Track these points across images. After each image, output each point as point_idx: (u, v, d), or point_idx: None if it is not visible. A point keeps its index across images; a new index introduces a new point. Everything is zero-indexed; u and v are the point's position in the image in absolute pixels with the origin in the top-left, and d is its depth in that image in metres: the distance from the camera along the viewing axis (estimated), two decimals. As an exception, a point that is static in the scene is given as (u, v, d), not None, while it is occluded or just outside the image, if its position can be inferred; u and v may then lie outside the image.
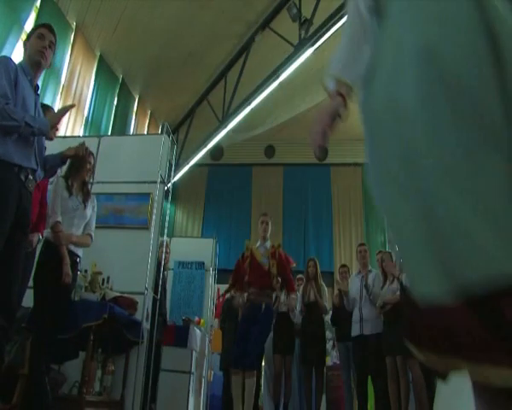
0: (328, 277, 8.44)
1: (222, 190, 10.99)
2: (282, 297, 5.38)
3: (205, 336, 5.91)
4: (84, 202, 3.10)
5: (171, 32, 7.74)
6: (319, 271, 5.36)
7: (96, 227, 3.34)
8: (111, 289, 3.53)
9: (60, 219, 2.91)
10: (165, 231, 5.08)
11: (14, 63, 2.32)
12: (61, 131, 6.30)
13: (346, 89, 1.17)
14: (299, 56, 6.75)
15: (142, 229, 4.21)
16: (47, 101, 5.72)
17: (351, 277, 5.22)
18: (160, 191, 4.31)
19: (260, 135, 9.48)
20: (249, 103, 7.84)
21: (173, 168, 7.19)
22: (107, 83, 8.12)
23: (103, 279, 3.53)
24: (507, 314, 0.69)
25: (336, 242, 10.37)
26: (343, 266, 5.70)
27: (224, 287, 7.61)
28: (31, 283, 2.85)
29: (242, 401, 3.94)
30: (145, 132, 9.65)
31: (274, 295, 5.49)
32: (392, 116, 0.87)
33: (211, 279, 6.86)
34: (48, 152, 2.57)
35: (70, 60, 6.95)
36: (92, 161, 3.25)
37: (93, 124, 7.52)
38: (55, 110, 3.52)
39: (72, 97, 6.94)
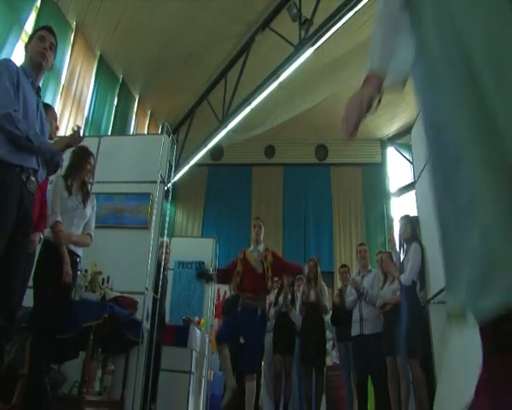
0: (328, 277, 8.44)
1: (222, 190, 10.98)
2: (281, 299, 5.39)
3: (205, 336, 5.91)
4: (84, 201, 3.10)
5: (171, 32, 7.74)
6: (319, 271, 5.36)
7: (96, 227, 3.34)
8: (111, 289, 3.52)
9: (59, 218, 2.91)
10: (165, 231, 5.08)
11: (15, 65, 2.33)
12: (61, 131, 6.29)
13: (379, 79, 1.15)
14: (299, 56, 6.74)
15: (142, 229, 4.21)
16: (47, 101, 5.71)
17: (351, 277, 5.22)
18: (159, 191, 4.31)
19: (260, 135, 9.47)
20: (249, 103, 7.84)
21: (173, 168, 7.18)
22: (107, 83, 8.12)
23: (103, 279, 3.53)
24: None
25: (336, 241, 10.36)
26: (343, 266, 5.71)
27: (224, 287, 7.63)
28: (31, 282, 2.84)
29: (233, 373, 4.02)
30: (145, 132, 9.64)
31: (272, 298, 5.53)
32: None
33: (211, 279, 6.85)
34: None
35: (70, 60, 6.95)
36: (92, 162, 3.25)
37: (93, 124, 7.52)
38: (55, 110, 3.52)
39: (72, 97, 6.94)
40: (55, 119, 3.21)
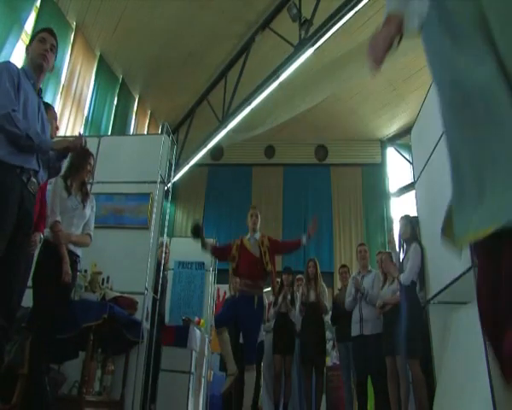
0: (328, 277, 8.44)
1: (222, 191, 10.98)
2: (281, 299, 5.39)
3: (204, 337, 5.91)
4: (83, 201, 3.11)
5: (171, 32, 7.74)
6: (319, 271, 5.36)
7: (96, 227, 3.34)
8: (111, 289, 3.52)
9: (59, 218, 2.91)
10: (165, 231, 5.07)
11: (16, 67, 2.35)
12: (61, 131, 6.30)
13: (399, 20, 1.19)
14: (299, 57, 6.74)
15: (142, 229, 4.21)
16: (47, 100, 5.68)
17: (351, 277, 5.22)
18: (159, 191, 4.31)
19: (260, 135, 9.47)
20: (249, 103, 7.84)
21: (173, 168, 7.18)
22: (107, 83, 8.12)
23: (103, 279, 3.53)
24: None
25: (336, 242, 10.36)
26: (343, 266, 5.71)
27: (224, 287, 7.63)
28: (30, 282, 2.84)
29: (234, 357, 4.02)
30: (145, 132, 9.65)
31: (273, 297, 5.53)
32: None
33: (211, 279, 6.86)
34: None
35: (70, 60, 6.95)
36: (92, 162, 3.25)
37: (93, 124, 7.52)
38: (55, 110, 3.52)
39: (72, 97, 6.94)
40: (55, 118, 3.21)
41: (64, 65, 6.79)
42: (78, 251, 3.05)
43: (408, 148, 8.53)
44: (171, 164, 5.18)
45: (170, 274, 6.63)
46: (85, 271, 3.47)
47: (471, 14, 0.92)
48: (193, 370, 5.01)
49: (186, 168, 9.71)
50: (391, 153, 11.14)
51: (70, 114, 6.85)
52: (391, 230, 9.92)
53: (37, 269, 2.81)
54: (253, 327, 4.11)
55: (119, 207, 4.30)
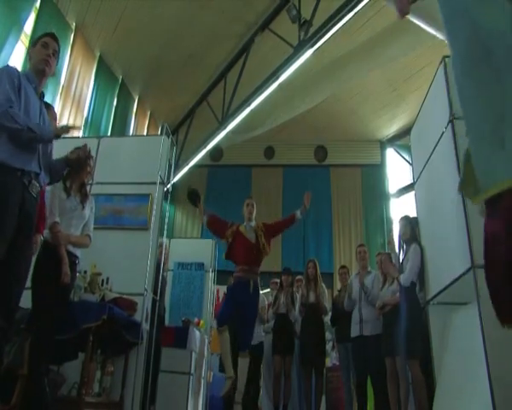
0: (328, 278, 8.44)
1: (221, 191, 10.97)
2: (282, 299, 5.39)
3: (204, 338, 5.91)
4: (82, 202, 3.10)
5: (171, 33, 7.74)
6: (319, 272, 5.36)
7: (96, 228, 3.34)
8: (110, 290, 3.52)
9: (58, 219, 2.91)
10: (165, 231, 5.07)
11: (17, 71, 2.38)
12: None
13: None
14: (298, 58, 6.75)
15: (142, 230, 4.20)
16: (47, 101, 5.71)
17: (350, 278, 5.22)
18: (159, 192, 4.30)
19: (260, 136, 9.47)
20: (249, 104, 7.84)
21: (173, 169, 7.17)
22: (106, 83, 8.12)
23: (103, 280, 3.53)
24: None
25: (336, 243, 10.37)
26: (343, 267, 5.71)
27: (223, 288, 7.62)
28: (29, 283, 2.84)
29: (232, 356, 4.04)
30: (145, 133, 9.64)
31: (274, 297, 5.53)
32: None
33: (210, 280, 6.86)
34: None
35: (70, 60, 6.95)
36: (92, 164, 3.26)
37: (93, 124, 7.52)
38: (55, 110, 3.53)
39: (72, 98, 6.94)
40: (55, 118, 3.22)
41: (64, 66, 6.79)
42: (78, 252, 3.04)
43: (407, 149, 8.53)
44: (170, 165, 5.17)
45: (169, 275, 6.63)
46: (85, 272, 3.47)
47: None
48: (192, 371, 5.01)
49: (186, 169, 9.71)
50: (390, 154, 11.15)
51: (70, 114, 6.85)
52: (390, 230, 9.93)
53: (37, 270, 2.81)
54: (249, 313, 4.13)
55: (119, 208, 4.30)
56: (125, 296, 3.60)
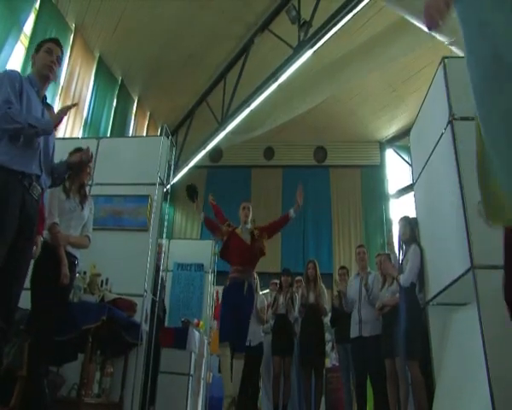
0: (328, 278, 8.43)
1: (221, 192, 10.88)
2: (281, 299, 5.39)
3: (204, 338, 5.90)
4: (82, 203, 3.11)
5: (171, 33, 7.75)
6: (319, 272, 5.36)
7: (95, 229, 3.34)
8: (110, 291, 3.52)
9: (57, 220, 2.91)
10: (164, 232, 5.07)
11: (19, 75, 2.41)
12: (60, 133, 6.30)
13: None
14: (298, 58, 6.75)
15: (141, 231, 4.20)
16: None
17: (350, 278, 5.22)
18: (159, 193, 4.30)
19: (259, 137, 9.48)
20: (248, 105, 7.85)
21: (172, 170, 7.17)
22: (106, 84, 8.12)
23: (102, 281, 3.53)
24: None
25: (335, 243, 10.36)
26: (342, 267, 5.70)
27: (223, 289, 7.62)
28: (28, 284, 2.84)
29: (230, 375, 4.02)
30: (144, 134, 9.64)
31: (273, 297, 5.53)
32: None
33: (210, 281, 6.85)
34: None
35: (69, 61, 6.95)
36: (92, 165, 3.26)
37: (92, 125, 7.51)
38: (55, 111, 3.53)
39: (72, 99, 6.94)
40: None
41: (63, 66, 6.79)
42: (77, 253, 3.05)
43: (407, 149, 8.53)
44: (170, 166, 5.17)
45: (169, 276, 6.63)
46: (84, 272, 3.47)
47: None
48: (192, 372, 5.01)
49: (185, 170, 9.71)
50: (390, 154, 11.15)
51: (69, 115, 6.84)
52: (390, 231, 9.93)
53: (36, 271, 2.81)
54: (243, 314, 4.11)
55: (118, 209, 4.30)
56: (124, 297, 3.60)
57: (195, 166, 9.74)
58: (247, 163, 11.29)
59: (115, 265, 3.78)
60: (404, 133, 9.54)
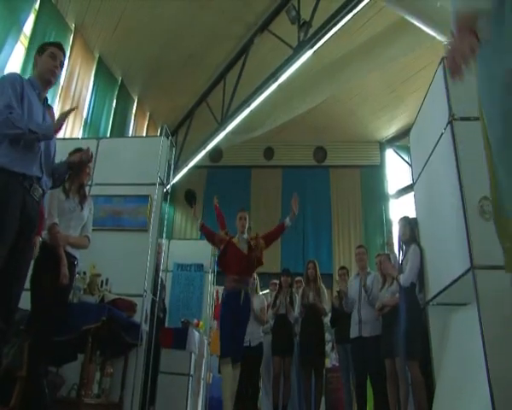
0: (327, 279, 8.43)
1: (221, 192, 10.91)
2: (281, 299, 5.39)
3: (203, 339, 5.90)
4: (81, 204, 3.11)
5: (171, 33, 7.74)
6: (319, 273, 5.36)
7: (95, 229, 3.34)
8: (110, 292, 3.52)
9: (56, 220, 2.91)
10: (164, 232, 5.07)
11: (20, 77, 2.42)
12: (60, 133, 6.28)
13: (472, 18, 1.13)
14: (298, 59, 6.75)
15: (141, 231, 4.20)
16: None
17: (349, 278, 5.22)
18: (158, 193, 4.30)
19: (259, 137, 9.48)
20: (248, 105, 7.85)
21: (172, 170, 7.17)
22: (106, 85, 8.12)
23: (102, 281, 3.52)
24: None
25: (335, 244, 10.36)
26: (342, 267, 5.70)
27: (222, 289, 7.62)
28: (28, 285, 2.84)
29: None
30: (144, 134, 9.64)
31: (273, 298, 5.52)
32: None
33: (210, 281, 6.85)
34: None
35: (69, 61, 6.94)
36: (91, 165, 3.26)
37: (92, 126, 7.51)
38: (54, 111, 3.53)
39: (71, 99, 6.94)
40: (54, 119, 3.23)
41: (63, 67, 6.78)
42: (76, 253, 3.04)
43: (407, 149, 8.53)
44: (170, 166, 5.17)
45: (169, 276, 6.63)
46: (84, 273, 3.46)
47: None
48: (192, 372, 5.01)
49: (185, 170, 9.71)
50: (390, 155, 11.16)
51: (69, 115, 6.84)
52: (390, 231, 9.94)
53: (35, 271, 2.81)
54: (240, 325, 4.12)
55: (118, 209, 4.30)
56: (124, 297, 3.60)
57: (195, 167, 9.73)
58: (247, 163, 11.29)
59: (115, 265, 3.78)
60: (404, 133, 9.54)
